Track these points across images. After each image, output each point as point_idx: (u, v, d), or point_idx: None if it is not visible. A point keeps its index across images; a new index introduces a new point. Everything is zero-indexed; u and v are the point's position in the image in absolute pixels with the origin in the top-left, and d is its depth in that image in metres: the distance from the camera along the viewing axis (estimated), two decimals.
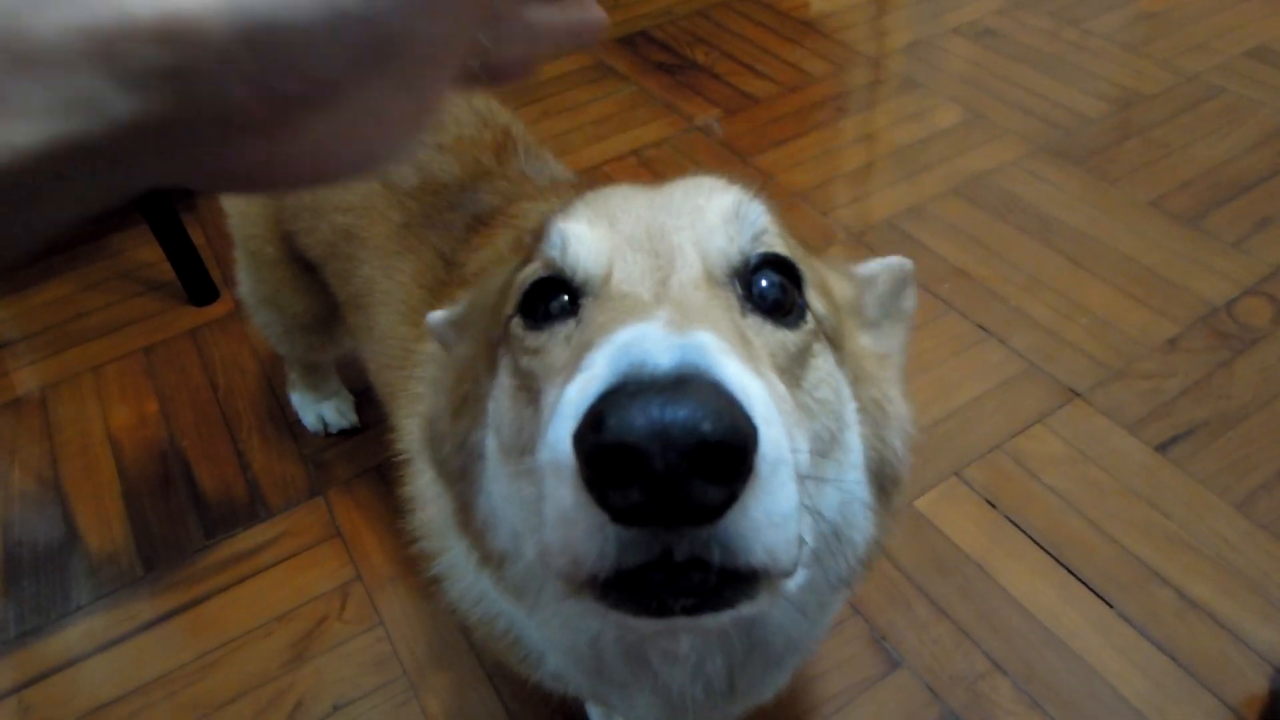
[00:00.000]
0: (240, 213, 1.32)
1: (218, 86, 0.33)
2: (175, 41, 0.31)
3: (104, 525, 1.55)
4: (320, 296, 1.28)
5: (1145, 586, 1.35)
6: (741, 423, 0.34)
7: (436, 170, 1.05)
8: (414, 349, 0.93)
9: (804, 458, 0.47)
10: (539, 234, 0.56)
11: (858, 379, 0.62)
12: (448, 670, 1.32)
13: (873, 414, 0.62)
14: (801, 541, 0.41)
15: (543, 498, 0.38)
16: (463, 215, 0.99)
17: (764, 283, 0.53)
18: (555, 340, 0.50)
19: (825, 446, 0.54)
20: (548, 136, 2.34)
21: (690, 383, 0.34)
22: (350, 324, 1.18)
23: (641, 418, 0.33)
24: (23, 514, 1.59)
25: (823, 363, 0.57)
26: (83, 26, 0.30)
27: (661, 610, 0.37)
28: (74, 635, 1.40)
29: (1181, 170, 2.11)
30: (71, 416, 1.76)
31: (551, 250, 0.52)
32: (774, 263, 0.54)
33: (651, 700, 0.75)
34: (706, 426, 0.33)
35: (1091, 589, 1.35)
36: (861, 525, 0.62)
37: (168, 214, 1.88)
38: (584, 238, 0.51)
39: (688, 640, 0.62)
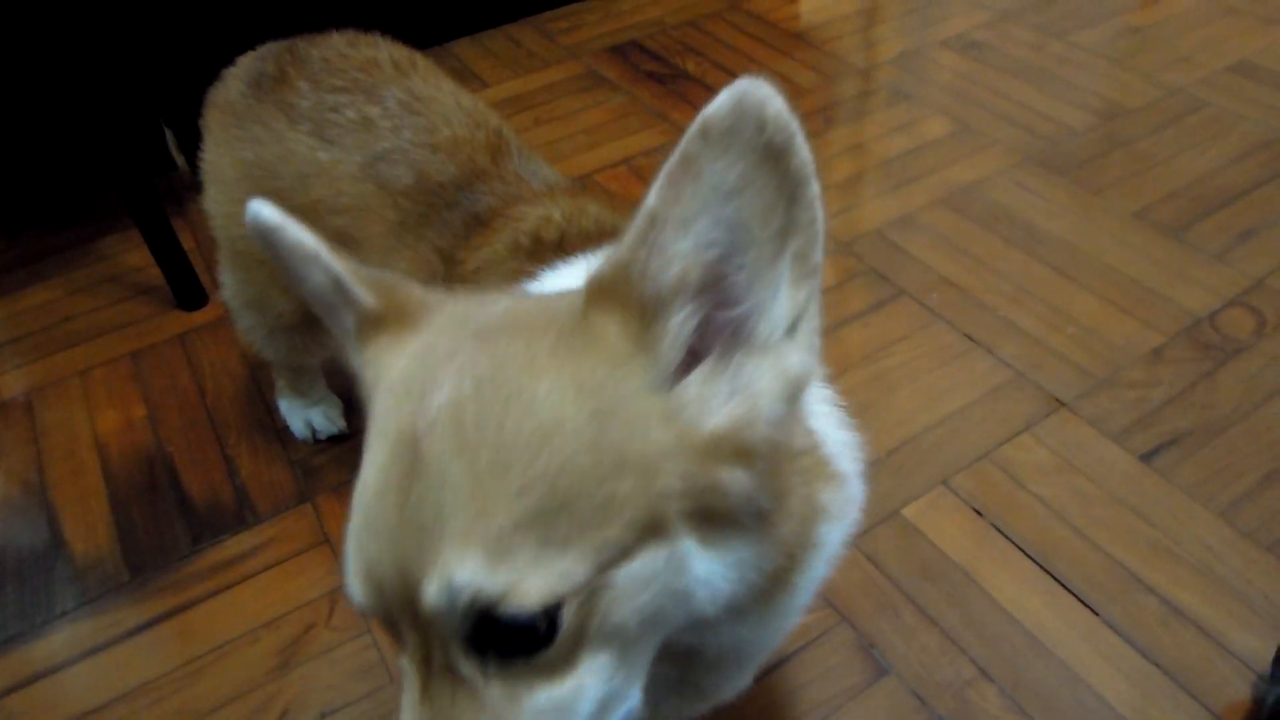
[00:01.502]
0: (224, 214, 1.30)
1: None
2: None
3: (89, 530, 1.55)
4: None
5: (1130, 594, 1.36)
6: None
7: (432, 170, 1.05)
8: None
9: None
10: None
11: (688, 511, 0.55)
12: None
13: (708, 512, 0.57)
14: None
15: None
16: (461, 214, 0.99)
17: (505, 628, 0.51)
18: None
19: (648, 627, 0.57)
20: (539, 144, 2.35)
21: None
22: None
23: None
24: (6, 518, 1.58)
25: (612, 594, 0.54)
26: None
27: None
28: (58, 641, 1.39)
29: (1166, 182, 2.13)
30: (58, 421, 1.75)
31: (350, 599, 0.56)
32: (494, 620, 0.51)
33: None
34: None
35: (1077, 596, 1.36)
36: (726, 592, 0.60)
37: (157, 218, 1.88)
38: (365, 605, 0.55)
39: None
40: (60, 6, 1.71)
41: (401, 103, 1.11)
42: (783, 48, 2.74)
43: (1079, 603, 1.35)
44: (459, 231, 0.99)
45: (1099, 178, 2.16)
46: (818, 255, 0.53)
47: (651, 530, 0.53)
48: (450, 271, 0.96)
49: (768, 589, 0.65)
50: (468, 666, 0.53)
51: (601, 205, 1.01)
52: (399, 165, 1.07)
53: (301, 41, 1.25)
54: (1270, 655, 1.26)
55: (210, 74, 1.33)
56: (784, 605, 0.71)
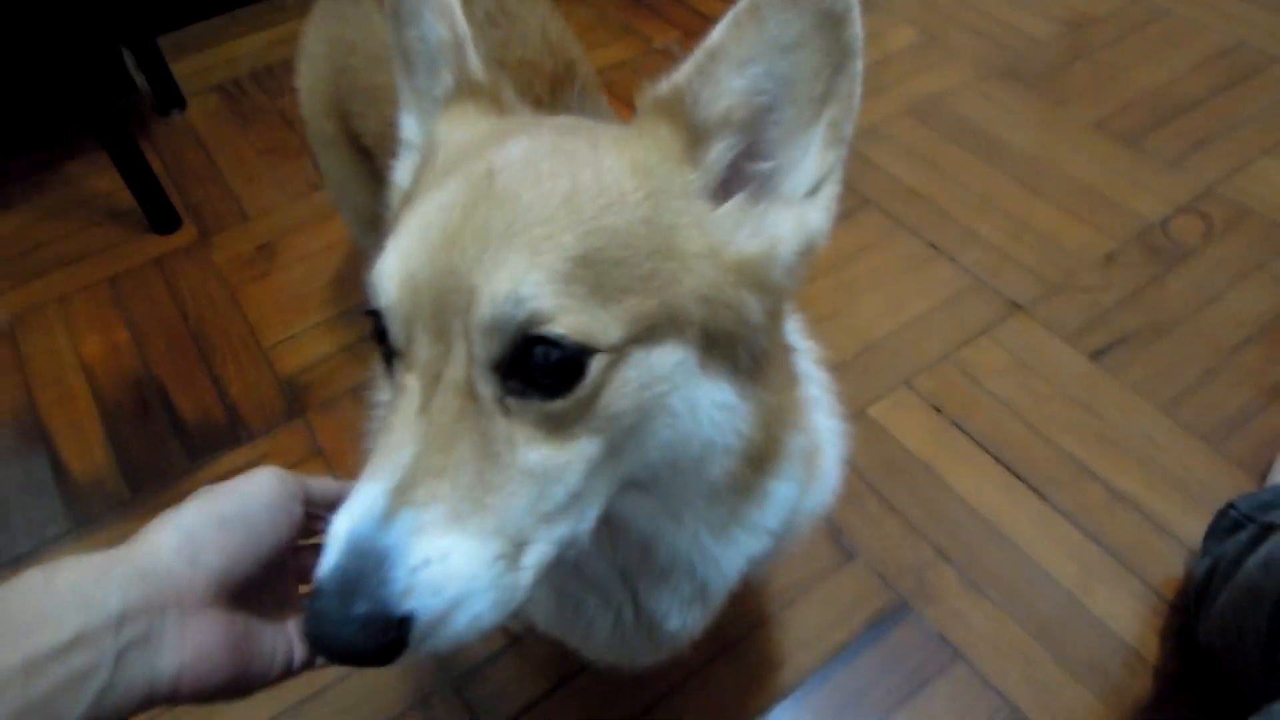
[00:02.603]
0: (308, 88, 1.32)
1: None
2: None
3: (86, 452, 1.59)
4: (378, 184, 1.30)
5: (1077, 482, 1.46)
6: (383, 643, 0.50)
7: None
8: None
9: (542, 549, 0.57)
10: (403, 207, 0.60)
11: (707, 320, 0.60)
12: None
13: (719, 333, 0.61)
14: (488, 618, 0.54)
15: None
16: None
17: (536, 359, 0.54)
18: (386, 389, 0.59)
19: (638, 431, 0.59)
20: None
21: (354, 619, 0.49)
22: None
23: (319, 641, 0.51)
24: (2, 444, 1.61)
25: (630, 374, 0.57)
26: None
27: None
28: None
29: (1125, 92, 2.18)
30: (42, 348, 1.77)
31: (375, 299, 0.57)
32: (540, 341, 0.54)
33: (599, 632, 0.84)
34: (355, 656, 0.50)
35: (1029, 485, 1.46)
36: (710, 437, 0.64)
37: (125, 141, 1.87)
38: (392, 303, 0.56)
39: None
40: None
41: (488, 13, 1.10)
42: None
43: (1030, 491, 1.46)
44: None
45: (1062, 88, 2.21)
46: (849, 126, 0.59)
47: (675, 325, 0.58)
48: None
49: (741, 479, 0.69)
50: (487, 387, 0.55)
51: None
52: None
53: None
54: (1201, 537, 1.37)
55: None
56: (750, 519, 0.75)
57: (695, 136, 0.60)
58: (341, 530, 0.52)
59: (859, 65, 0.57)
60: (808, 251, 0.63)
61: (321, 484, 0.67)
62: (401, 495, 0.52)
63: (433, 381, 0.55)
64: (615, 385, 0.56)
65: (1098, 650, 1.28)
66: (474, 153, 0.60)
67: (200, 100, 2.31)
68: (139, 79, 2.30)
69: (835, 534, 1.41)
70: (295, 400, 1.65)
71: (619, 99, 2.16)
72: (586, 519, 0.61)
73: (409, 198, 0.63)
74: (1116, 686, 1.25)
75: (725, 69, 0.58)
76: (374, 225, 1.38)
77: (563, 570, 0.72)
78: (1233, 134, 2.06)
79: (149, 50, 2.19)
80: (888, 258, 1.83)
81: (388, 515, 0.51)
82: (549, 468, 0.56)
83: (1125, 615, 1.31)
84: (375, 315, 0.58)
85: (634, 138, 0.61)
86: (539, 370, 0.54)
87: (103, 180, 2.08)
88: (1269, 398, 1.56)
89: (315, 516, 0.65)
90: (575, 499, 0.58)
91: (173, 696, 0.56)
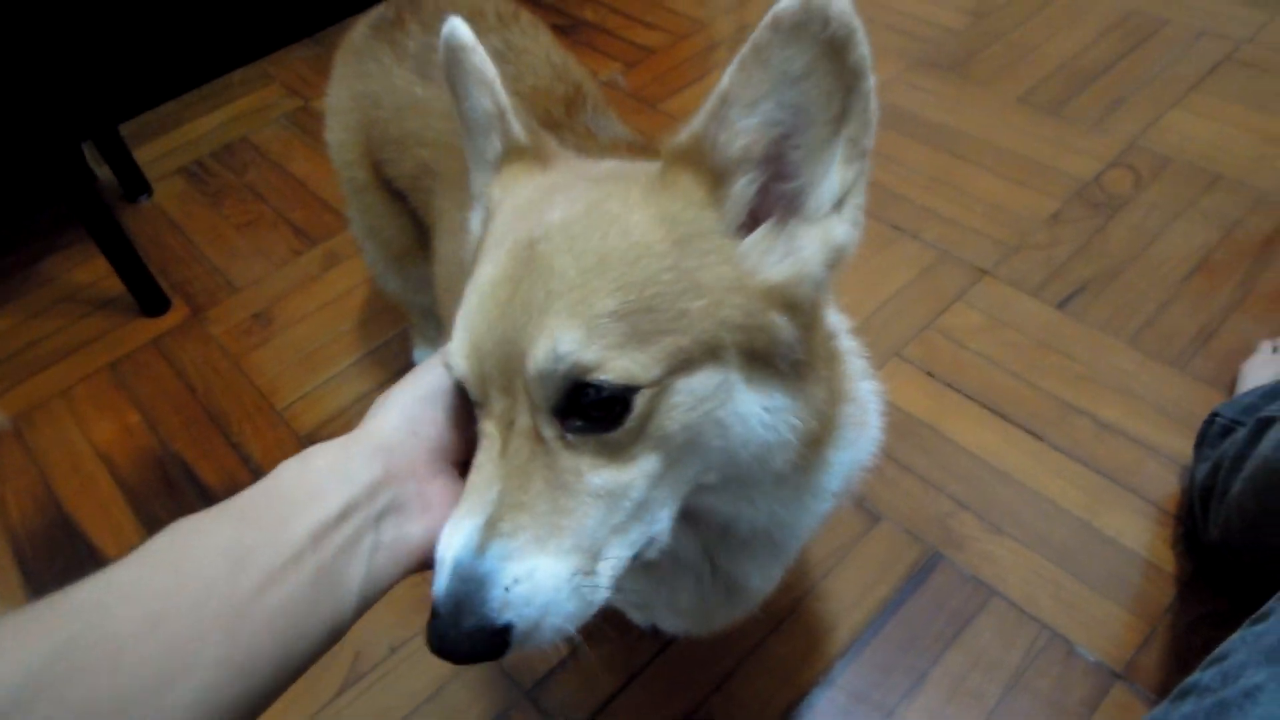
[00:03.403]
0: (338, 141, 1.38)
1: None
2: None
3: (119, 535, 1.61)
4: (409, 223, 1.35)
5: (1066, 419, 1.59)
6: (495, 645, 0.59)
7: None
8: None
9: (612, 562, 0.65)
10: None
11: (742, 344, 0.65)
12: None
13: (756, 351, 0.66)
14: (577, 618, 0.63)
15: None
16: None
17: (588, 400, 0.61)
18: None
19: (690, 446, 0.66)
20: None
21: (463, 634, 0.59)
22: (430, 256, 1.27)
23: (439, 649, 0.60)
24: (32, 540, 1.62)
25: (674, 400, 0.63)
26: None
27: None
28: None
29: (1041, 65, 2.36)
30: (53, 442, 1.79)
31: (451, 368, 0.66)
32: (587, 388, 0.60)
33: (682, 599, 0.91)
34: (470, 655, 0.59)
35: (1023, 428, 1.58)
36: (764, 438, 0.69)
37: (109, 227, 1.90)
38: (464, 373, 0.65)
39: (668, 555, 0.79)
40: None
41: (496, 50, 1.18)
42: None
43: (1026, 433, 1.57)
44: None
45: (982, 70, 2.37)
46: (869, 141, 0.63)
47: (711, 353, 0.63)
48: None
49: (803, 459, 0.74)
50: (550, 429, 0.63)
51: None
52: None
53: None
54: (1188, 451, 1.50)
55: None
56: (816, 486, 0.82)
57: (716, 179, 0.63)
58: (447, 559, 0.61)
59: (870, 83, 0.60)
60: (836, 265, 0.66)
61: None
62: (491, 529, 0.61)
63: (508, 428, 0.64)
64: (663, 411, 0.62)
65: (1116, 565, 1.40)
66: (519, 220, 0.67)
67: (166, 184, 2.35)
68: (100, 170, 2.33)
69: (859, 501, 1.51)
70: None
71: None
72: (660, 522, 0.68)
73: (476, 254, 0.72)
74: (1139, 595, 1.36)
75: (737, 111, 0.61)
76: (401, 262, 1.46)
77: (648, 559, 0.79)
78: (1142, 92, 2.25)
79: (111, 140, 2.22)
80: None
81: (481, 547, 0.61)
82: (613, 487, 0.63)
83: (1134, 530, 1.43)
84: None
85: (659, 189, 0.65)
86: (590, 409, 0.61)
87: (83, 272, 2.10)
88: (1220, 318, 1.71)
89: None
90: (642, 508, 0.66)
91: (425, 560, 0.64)
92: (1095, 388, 1.63)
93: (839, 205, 0.65)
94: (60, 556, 1.59)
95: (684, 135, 0.64)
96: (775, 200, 0.66)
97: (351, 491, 0.61)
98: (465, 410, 0.69)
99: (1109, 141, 2.12)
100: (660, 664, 1.36)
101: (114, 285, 1.99)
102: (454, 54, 0.72)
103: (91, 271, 2.08)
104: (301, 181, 2.29)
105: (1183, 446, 1.51)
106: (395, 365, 1.82)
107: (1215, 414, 1.39)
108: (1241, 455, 1.18)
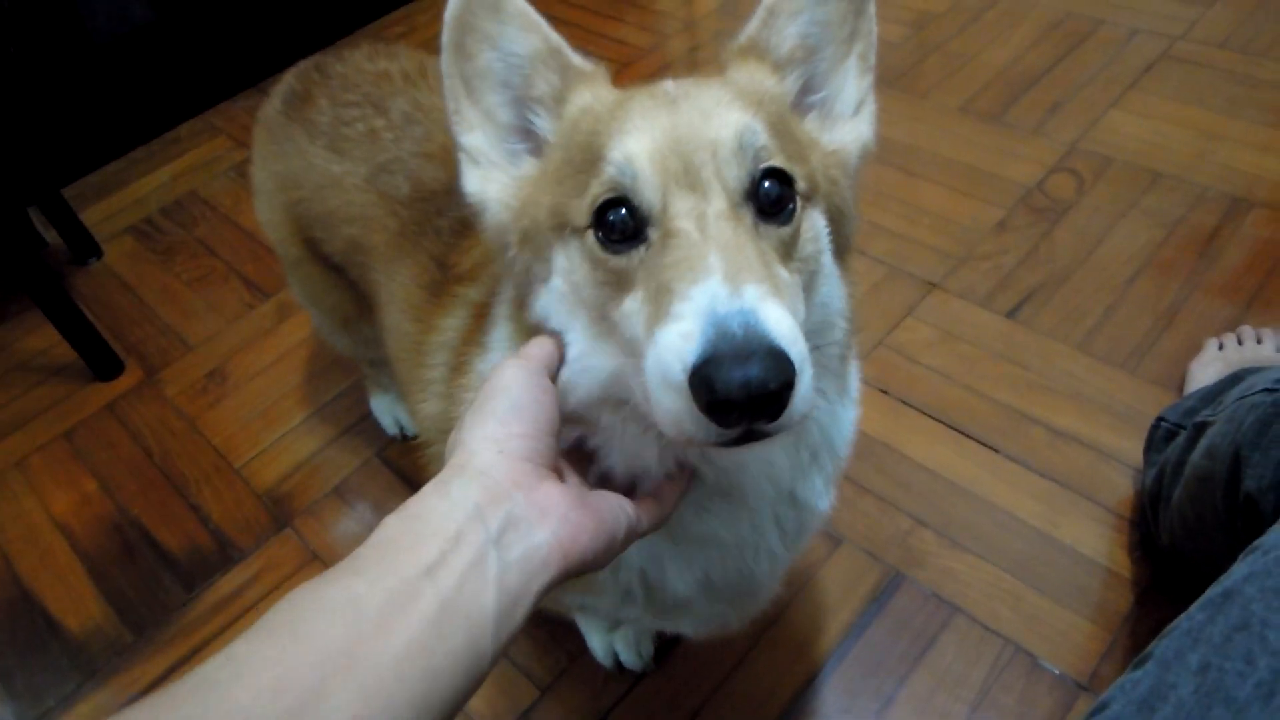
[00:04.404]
0: (268, 220, 1.38)
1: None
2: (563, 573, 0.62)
3: (79, 606, 1.59)
4: (350, 292, 1.35)
5: (1020, 429, 1.60)
6: (789, 370, 0.55)
7: (425, 179, 1.12)
8: (421, 341, 1.03)
9: (802, 318, 0.66)
10: (596, 148, 0.69)
11: (827, 195, 0.75)
12: None
13: (832, 209, 0.75)
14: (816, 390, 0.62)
15: (652, 391, 0.59)
16: (450, 220, 1.07)
17: (766, 190, 0.66)
18: (631, 261, 0.66)
19: (810, 280, 0.71)
20: None
21: (756, 351, 0.55)
22: (375, 320, 1.26)
23: (736, 386, 0.54)
24: None
25: (807, 225, 0.70)
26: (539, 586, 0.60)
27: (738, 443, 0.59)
28: (83, 712, 1.45)
29: (979, 75, 2.39)
30: (8, 514, 1.76)
31: (623, 179, 0.66)
32: (771, 173, 0.67)
33: (711, 546, 0.87)
34: (773, 385, 0.55)
35: (978, 440, 1.59)
36: (837, 304, 0.77)
37: (56, 294, 1.89)
38: (646, 174, 0.65)
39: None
40: None
41: (405, 114, 1.18)
42: (613, 13, 2.88)
43: (981, 445, 1.58)
44: (449, 238, 1.06)
45: (922, 82, 2.40)
46: (873, 55, 0.80)
47: (817, 195, 0.73)
48: (444, 276, 1.04)
49: (840, 361, 0.81)
50: (746, 212, 0.66)
51: None
52: (397, 175, 1.14)
53: (329, 56, 1.33)
54: (1141, 454, 1.51)
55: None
56: (847, 392, 0.88)
57: (775, 69, 0.78)
58: (702, 308, 0.58)
59: (872, 7, 0.78)
60: (864, 155, 0.81)
61: (541, 348, 0.73)
62: (733, 280, 0.59)
63: (700, 218, 0.64)
64: (804, 231, 0.70)
65: (1075, 574, 1.41)
66: (641, 92, 0.73)
67: (115, 244, 2.33)
68: (49, 235, 2.32)
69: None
70: (279, 511, 1.68)
71: None
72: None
73: (557, 161, 0.75)
74: (1099, 603, 1.37)
75: (783, 20, 0.77)
76: (347, 325, 1.45)
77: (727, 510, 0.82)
78: (1080, 94, 2.28)
79: (56, 204, 2.21)
80: None
81: (732, 294, 0.58)
82: (791, 282, 0.67)
83: (1091, 538, 1.44)
84: (608, 205, 0.67)
85: (740, 70, 0.77)
86: (768, 201, 0.67)
87: (34, 339, 2.08)
88: (1166, 319, 1.74)
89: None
90: (816, 274, 0.72)
91: (564, 565, 0.62)
92: (1048, 395, 1.65)
93: (858, 110, 0.80)
94: (20, 630, 1.57)
95: (742, 38, 0.78)
96: (807, 108, 0.80)
97: (458, 519, 0.59)
98: (543, 415, 0.68)
99: (1050, 146, 2.15)
100: (628, 705, 1.36)
101: (66, 351, 1.97)
102: (480, 12, 0.75)
103: (44, 338, 2.06)
104: (251, 234, 2.28)
105: (1136, 450, 1.52)
106: (351, 416, 1.81)
107: (1160, 418, 1.40)
108: (1181, 461, 1.19)
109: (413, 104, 1.20)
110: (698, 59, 2.63)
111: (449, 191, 1.10)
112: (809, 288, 0.71)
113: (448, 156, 1.14)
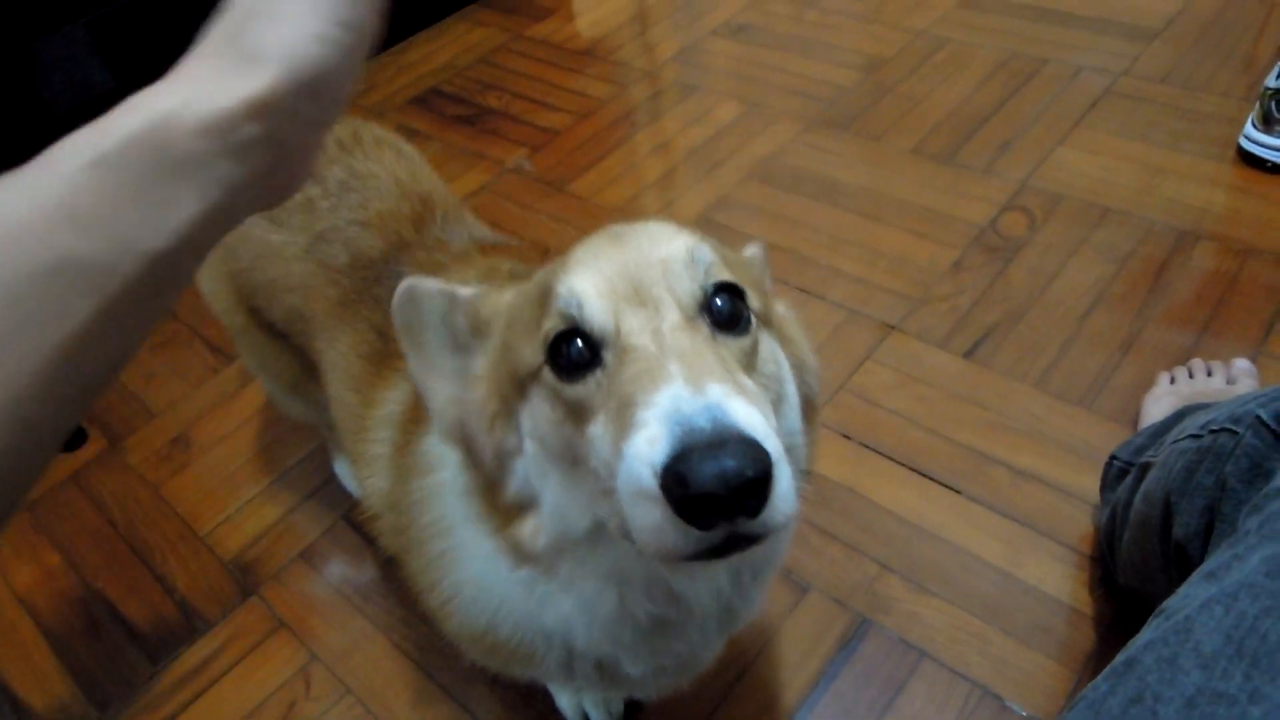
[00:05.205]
0: (210, 291, 1.37)
1: (293, 132, 0.49)
2: (262, 114, 0.47)
3: (42, 683, 1.56)
4: (298, 357, 1.34)
5: (981, 469, 1.62)
6: (764, 459, 0.53)
7: (363, 247, 1.13)
8: (364, 415, 1.03)
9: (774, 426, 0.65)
10: (545, 292, 0.69)
11: (784, 341, 0.77)
12: (427, 713, 1.43)
13: (797, 365, 0.78)
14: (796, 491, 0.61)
15: (627, 509, 0.57)
16: (387, 288, 1.05)
17: (720, 305, 0.67)
18: (589, 387, 0.65)
19: (775, 405, 0.71)
20: None
21: (728, 441, 0.53)
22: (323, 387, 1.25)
23: (710, 477, 0.51)
24: None
25: (765, 345, 0.71)
26: (204, 128, 0.45)
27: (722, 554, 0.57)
28: None
29: (930, 116, 2.44)
30: None
31: (569, 309, 0.66)
32: (724, 288, 0.68)
33: (661, 649, 0.87)
34: (749, 472, 0.52)
35: (941, 483, 1.61)
36: (800, 450, 0.79)
37: None
38: (592, 300, 0.66)
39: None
40: None
41: (340, 181, 1.18)
42: (573, 66, 2.92)
43: (943, 488, 1.60)
44: (388, 307, 1.08)
45: (875, 125, 2.45)
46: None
47: (770, 324, 0.75)
48: (385, 347, 1.05)
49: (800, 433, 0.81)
50: (703, 321, 0.66)
51: (513, 258, 1.12)
52: (335, 244, 1.15)
53: None
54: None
55: None
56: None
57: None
58: (667, 411, 0.56)
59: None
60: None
61: None
62: (695, 382, 0.57)
63: (655, 332, 0.63)
64: (763, 349, 0.71)
65: (1039, 614, 1.42)
66: (588, 241, 0.74)
67: None
68: None
69: (785, 573, 1.52)
70: (245, 579, 1.67)
71: (489, 220, 2.28)
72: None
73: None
74: (1064, 643, 1.39)
75: None
76: (296, 390, 1.45)
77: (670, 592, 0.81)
78: (1029, 133, 2.34)
79: None
80: None
81: (695, 393, 0.56)
82: (755, 390, 0.66)
83: (1054, 577, 1.46)
84: (561, 339, 0.67)
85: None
86: (723, 316, 0.67)
87: None
88: (1121, 353, 1.77)
89: None
90: (779, 400, 0.72)
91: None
92: (1008, 435, 1.67)
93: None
94: None
95: None
96: None
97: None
98: None
99: (1001, 185, 2.20)
100: None
101: None
102: (417, 304, 0.78)
103: None
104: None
105: (1094, 487, 1.54)
106: (316, 479, 1.80)
107: (1113, 456, 1.43)
108: (1129, 502, 1.22)
109: (348, 171, 1.21)
110: (660, 106, 2.67)
111: (386, 260, 1.12)
112: (775, 408, 0.70)
113: (384, 224, 1.16)
